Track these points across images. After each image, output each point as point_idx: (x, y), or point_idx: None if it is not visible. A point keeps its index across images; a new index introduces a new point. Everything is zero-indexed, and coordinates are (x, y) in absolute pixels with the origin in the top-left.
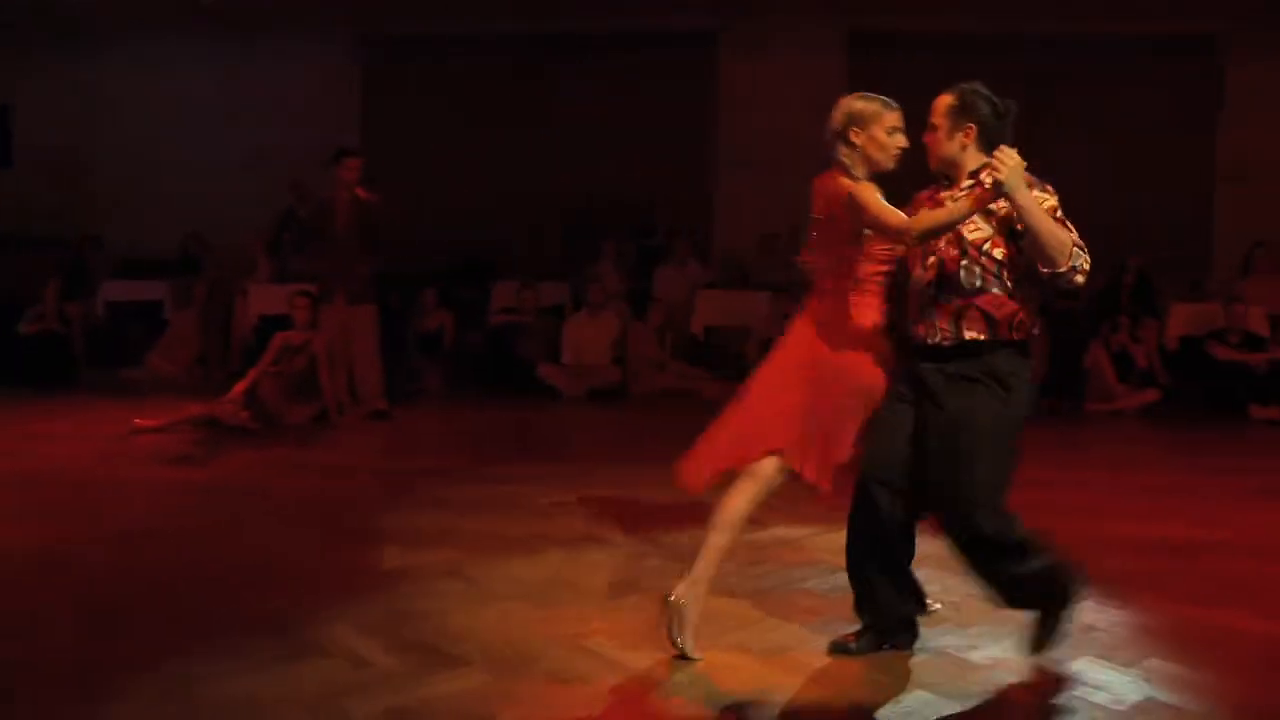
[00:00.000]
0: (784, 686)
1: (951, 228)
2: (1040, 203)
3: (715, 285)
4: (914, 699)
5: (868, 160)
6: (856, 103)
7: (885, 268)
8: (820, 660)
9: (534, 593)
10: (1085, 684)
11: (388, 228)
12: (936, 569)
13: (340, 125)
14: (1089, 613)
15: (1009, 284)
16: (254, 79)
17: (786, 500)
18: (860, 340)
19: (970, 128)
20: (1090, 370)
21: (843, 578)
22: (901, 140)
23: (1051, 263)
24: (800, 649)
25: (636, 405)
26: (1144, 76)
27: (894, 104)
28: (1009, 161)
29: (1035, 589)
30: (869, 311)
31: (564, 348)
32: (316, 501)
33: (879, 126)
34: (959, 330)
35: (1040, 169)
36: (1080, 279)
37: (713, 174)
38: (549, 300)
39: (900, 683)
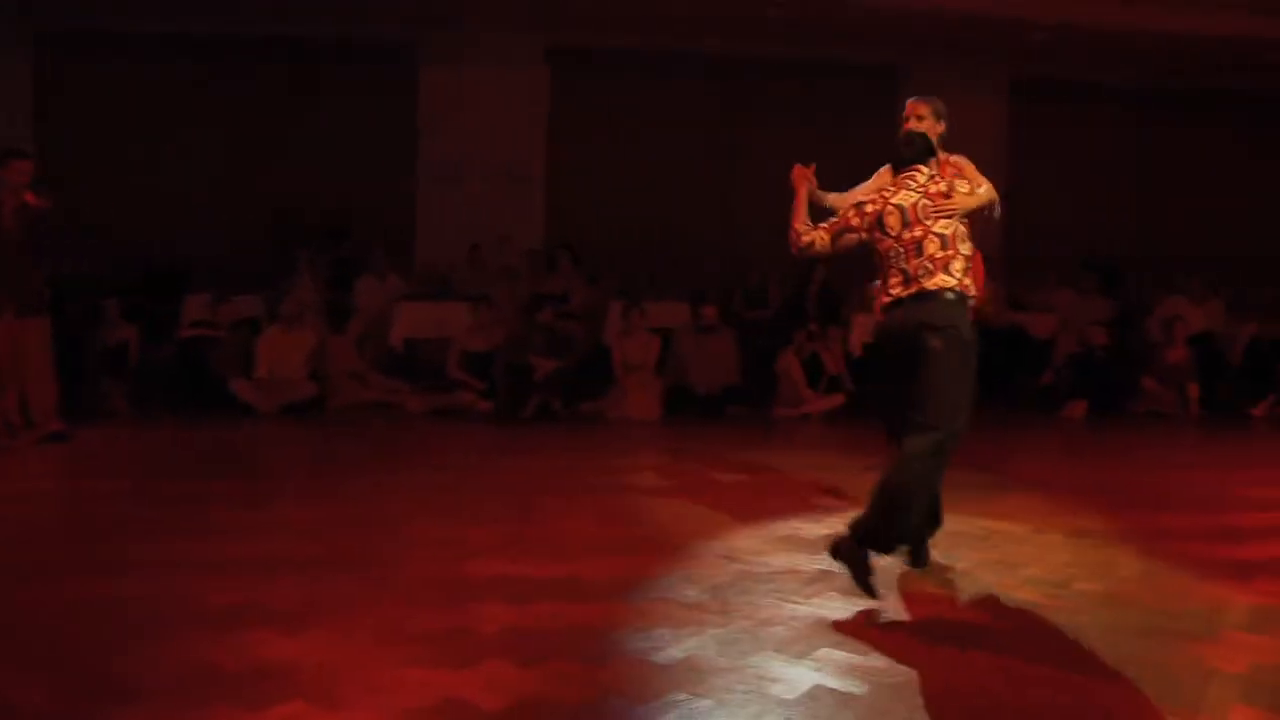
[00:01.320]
0: (471, 698)
1: None
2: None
3: (415, 296)
4: (603, 705)
5: None
6: None
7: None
8: (510, 670)
9: (219, 618)
10: (762, 677)
11: (65, 235)
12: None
13: (11, 125)
14: (765, 609)
15: None
16: None
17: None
18: None
19: None
20: (780, 376)
21: (535, 585)
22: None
23: None
24: (494, 660)
25: (334, 420)
26: (833, 101)
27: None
28: None
29: None
30: None
31: (258, 362)
32: None
33: None
34: None
35: (738, 182)
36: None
37: (414, 185)
38: (244, 313)
39: (588, 689)
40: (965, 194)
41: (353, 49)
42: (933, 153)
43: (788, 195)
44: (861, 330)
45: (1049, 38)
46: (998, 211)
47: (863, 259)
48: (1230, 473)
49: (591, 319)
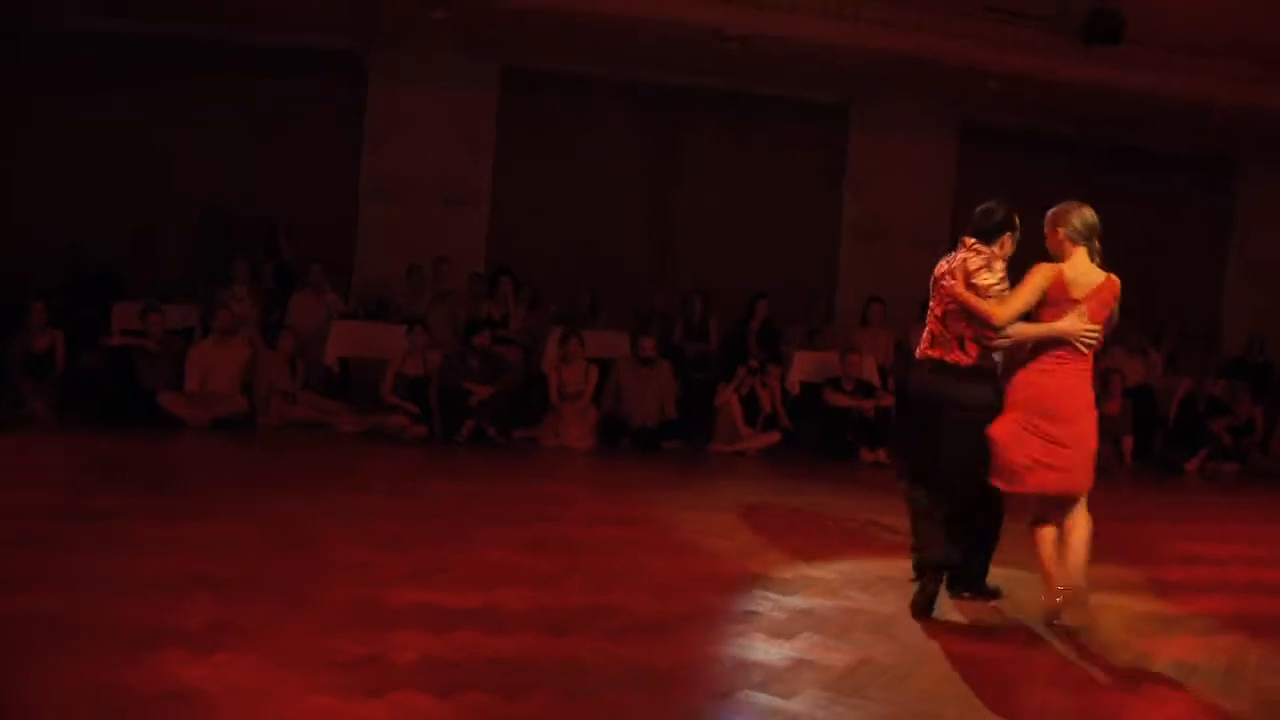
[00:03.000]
0: None
1: None
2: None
3: (352, 316)
4: None
5: None
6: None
7: None
8: (423, 701)
9: (131, 637)
10: (683, 717)
11: None
12: None
13: None
14: (689, 648)
15: None
16: None
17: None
18: None
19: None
20: (719, 411)
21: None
22: None
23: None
24: (407, 690)
25: (263, 437)
26: (782, 136)
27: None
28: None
29: None
30: None
31: (188, 374)
32: None
33: None
34: None
35: (683, 213)
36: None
37: (356, 202)
38: (178, 323)
39: None
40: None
41: (299, 59)
42: (999, 234)
43: (732, 227)
44: (801, 368)
45: (1001, 86)
46: (1001, 335)
47: (807, 299)
48: (1161, 526)
49: (529, 344)
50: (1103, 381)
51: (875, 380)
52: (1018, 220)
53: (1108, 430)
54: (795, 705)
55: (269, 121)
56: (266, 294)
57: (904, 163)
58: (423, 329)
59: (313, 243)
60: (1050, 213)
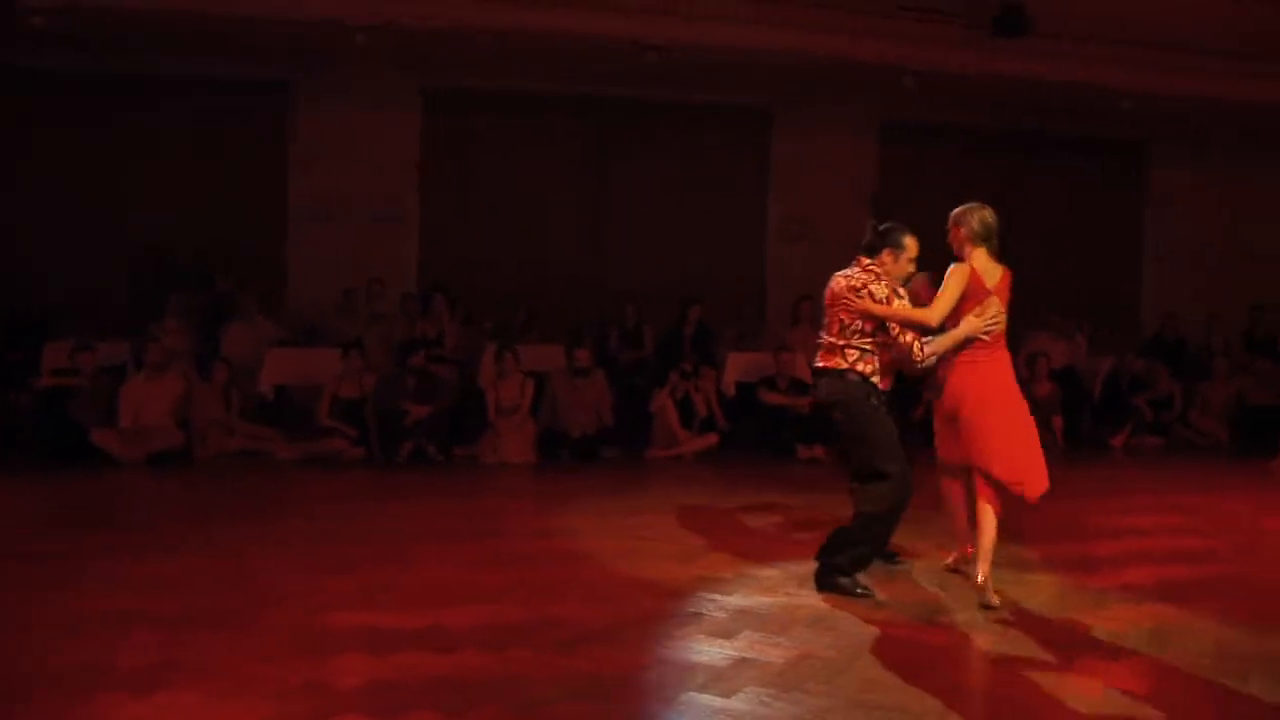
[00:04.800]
0: None
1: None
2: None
3: (286, 343)
4: None
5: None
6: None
7: None
8: None
9: (67, 679)
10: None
11: None
12: None
13: None
14: (634, 654)
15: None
16: None
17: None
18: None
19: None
20: (656, 416)
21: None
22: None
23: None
24: (349, 714)
25: (200, 469)
26: (708, 141)
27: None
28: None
29: None
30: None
31: (121, 411)
32: None
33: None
34: None
35: (612, 222)
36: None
37: (285, 228)
38: (110, 360)
39: None
40: (875, 302)
41: (226, 86)
42: (875, 250)
43: (662, 234)
44: (735, 369)
45: (917, 82)
46: (914, 350)
47: (738, 301)
48: (1089, 502)
49: (465, 361)
50: (1029, 365)
51: (808, 378)
52: (905, 241)
53: (1038, 412)
54: (736, 704)
55: (195, 152)
56: (200, 325)
57: (826, 163)
58: (358, 351)
59: (244, 270)
60: (953, 213)
